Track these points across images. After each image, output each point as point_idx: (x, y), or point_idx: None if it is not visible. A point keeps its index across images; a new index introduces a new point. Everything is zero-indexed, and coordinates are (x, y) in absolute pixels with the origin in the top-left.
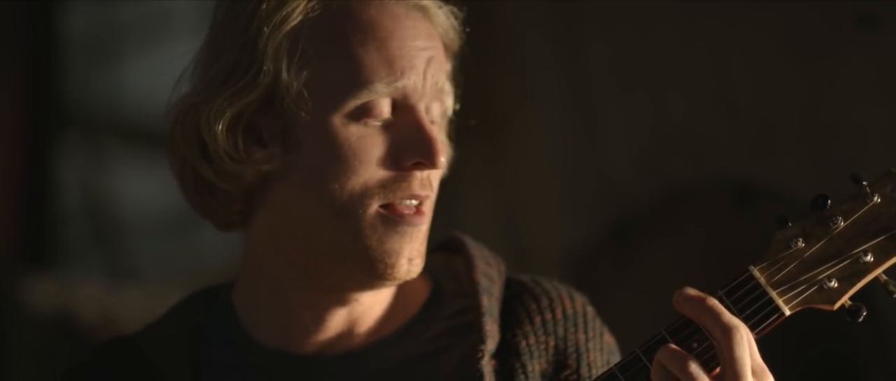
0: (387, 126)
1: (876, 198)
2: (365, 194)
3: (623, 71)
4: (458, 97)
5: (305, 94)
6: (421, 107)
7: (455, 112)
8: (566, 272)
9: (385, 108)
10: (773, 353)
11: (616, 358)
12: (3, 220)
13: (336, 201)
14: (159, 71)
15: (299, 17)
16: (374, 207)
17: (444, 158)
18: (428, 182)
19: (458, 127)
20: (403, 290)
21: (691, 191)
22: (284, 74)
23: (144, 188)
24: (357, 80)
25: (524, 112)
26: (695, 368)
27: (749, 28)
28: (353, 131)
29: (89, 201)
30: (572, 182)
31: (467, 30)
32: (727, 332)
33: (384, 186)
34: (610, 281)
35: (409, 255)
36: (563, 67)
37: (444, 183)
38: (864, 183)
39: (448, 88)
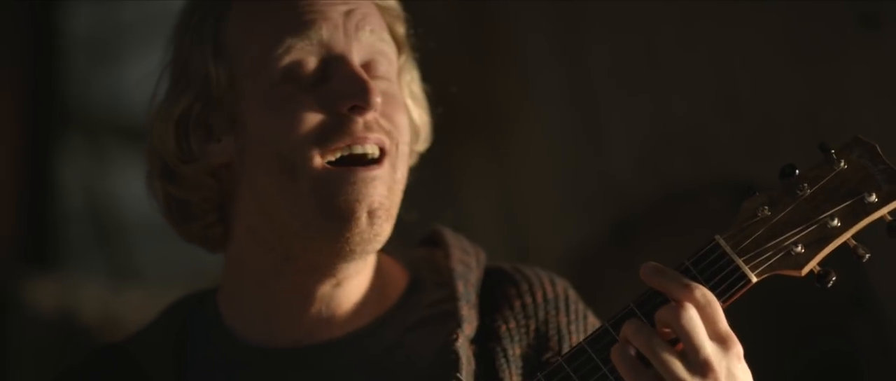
0: (320, 83)
1: (842, 164)
2: (306, 146)
3: (624, 72)
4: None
5: (235, 79)
6: (351, 57)
7: (455, 110)
8: (567, 272)
9: (310, 64)
10: (773, 351)
11: None
12: (5, 220)
13: (284, 163)
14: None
15: (216, 14)
16: (318, 159)
17: (379, 99)
18: (377, 126)
19: (461, 127)
20: (382, 280)
21: (692, 192)
22: (211, 70)
23: (146, 189)
24: (271, 43)
25: (526, 113)
26: (658, 343)
27: (750, 29)
28: (285, 92)
29: (91, 202)
30: (574, 183)
31: None
32: (677, 302)
33: (323, 134)
34: (611, 281)
35: (369, 206)
36: (565, 67)
37: (447, 183)
38: (831, 150)
39: (388, 45)
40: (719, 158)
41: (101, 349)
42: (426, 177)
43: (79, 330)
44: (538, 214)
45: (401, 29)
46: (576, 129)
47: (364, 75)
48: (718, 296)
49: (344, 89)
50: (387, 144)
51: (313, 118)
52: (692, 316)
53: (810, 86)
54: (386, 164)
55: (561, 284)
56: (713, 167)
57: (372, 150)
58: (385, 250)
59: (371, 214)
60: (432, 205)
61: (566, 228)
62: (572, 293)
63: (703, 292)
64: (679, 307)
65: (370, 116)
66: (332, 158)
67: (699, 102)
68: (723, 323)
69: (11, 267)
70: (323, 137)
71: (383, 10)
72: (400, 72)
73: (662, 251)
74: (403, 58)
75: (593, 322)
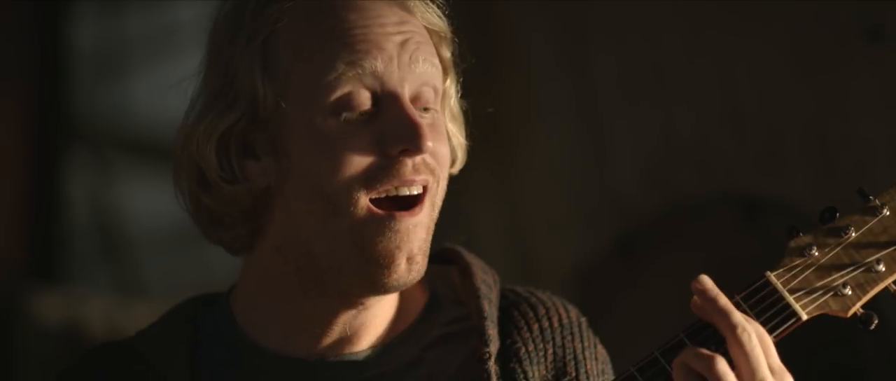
0: (371, 119)
1: (885, 211)
2: (352, 186)
3: (630, 83)
4: (459, 84)
5: (282, 102)
6: (403, 93)
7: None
8: (572, 285)
9: (361, 98)
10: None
11: (609, 370)
12: (11, 235)
13: (327, 199)
14: (166, 85)
15: (267, 32)
16: (364, 199)
17: (431, 143)
18: (424, 167)
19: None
20: (403, 296)
21: (698, 205)
22: (260, 89)
23: (152, 203)
24: (321, 70)
25: (530, 124)
26: (723, 367)
27: (756, 42)
28: (334, 126)
29: (97, 216)
30: (578, 195)
31: (447, 12)
32: (737, 330)
33: (370, 175)
34: (616, 295)
35: (409, 253)
36: (570, 79)
37: (450, 195)
38: (872, 197)
39: (437, 72)
40: (725, 170)
41: (102, 347)
42: None
43: (85, 344)
44: (543, 226)
45: (447, 52)
46: (581, 142)
47: (416, 117)
48: (768, 332)
49: (395, 132)
50: (430, 182)
51: (362, 159)
52: (749, 340)
53: (816, 99)
54: (426, 204)
55: (573, 310)
56: (719, 180)
57: (416, 190)
58: None
59: (410, 259)
60: (437, 220)
61: (571, 241)
62: (584, 321)
63: (757, 327)
64: (741, 329)
65: (419, 158)
66: (376, 196)
67: (705, 115)
68: (775, 358)
69: (18, 281)
70: (371, 179)
71: (433, 33)
72: (443, 96)
73: (668, 265)
74: (448, 81)
75: (602, 351)
